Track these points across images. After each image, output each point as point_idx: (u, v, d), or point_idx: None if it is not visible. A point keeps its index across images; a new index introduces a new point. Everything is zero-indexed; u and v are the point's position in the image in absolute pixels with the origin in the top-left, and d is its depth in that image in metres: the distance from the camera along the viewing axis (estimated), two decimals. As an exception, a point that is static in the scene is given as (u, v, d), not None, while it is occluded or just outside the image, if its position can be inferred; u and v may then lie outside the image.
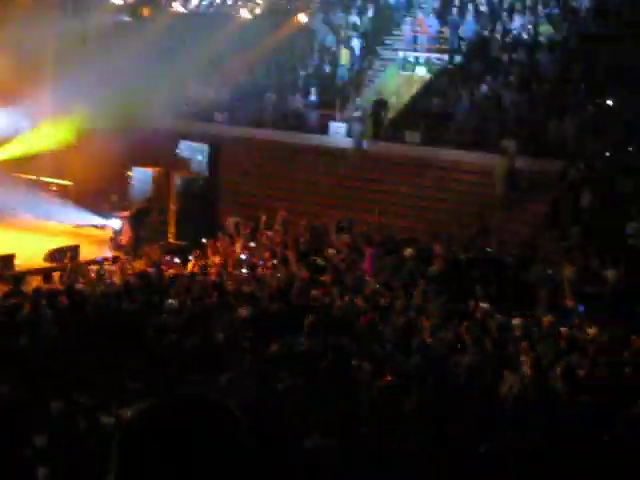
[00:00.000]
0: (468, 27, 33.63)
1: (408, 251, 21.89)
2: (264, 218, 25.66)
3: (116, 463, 2.59)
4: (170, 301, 17.16)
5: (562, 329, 15.82)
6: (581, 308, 17.38)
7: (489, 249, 22.03)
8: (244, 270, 21.04)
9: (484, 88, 30.49)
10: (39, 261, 24.60)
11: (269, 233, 24.49)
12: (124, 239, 26.61)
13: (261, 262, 21.81)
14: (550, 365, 13.72)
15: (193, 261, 22.48)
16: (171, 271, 21.42)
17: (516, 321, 16.22)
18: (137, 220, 26.63)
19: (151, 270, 20.95)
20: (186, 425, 2.60)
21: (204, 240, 24.17)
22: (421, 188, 28.06)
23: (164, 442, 2.58)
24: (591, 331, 15.71)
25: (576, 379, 13.08)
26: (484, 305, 17.39)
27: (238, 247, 23.54)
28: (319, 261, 21.53)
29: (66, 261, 23.11)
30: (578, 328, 16.13)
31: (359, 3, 36.94)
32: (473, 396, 12.80)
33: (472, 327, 15.39)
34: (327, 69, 34.73)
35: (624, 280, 19.57)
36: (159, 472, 2.57)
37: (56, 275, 21.31)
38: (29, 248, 25.43)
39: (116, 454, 2.60)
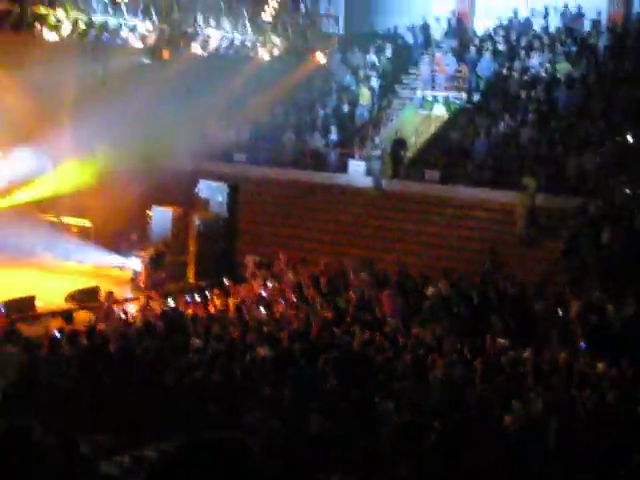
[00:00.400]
0: (486, 65, 33.74)
1: (430, 290, 21.86)
2: (283, 257, 25.72)
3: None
4: (194, 340, 17.16)
5: (572, 364, 15.82)
6: (583, 345, 17.23)
7: (501, 284, 21.97)
8: (262, 309, 21.01)
9: (502, 126, 30.53)
10: (60, 302, 24.65)
11: (289, 273, 24.49)
12: (142, 280, 26.67)
13: (282, 302, 21.78)
14: (560, 399, 13.72)
15: (213, 300, 22.49)
16: (190, 311, 21.43)
17: (527, 354, 16.21)
18: (155, 261, 26.70)
19: (171, 310, 20.97)
20: (210, 466, 2.59)
21: (225, 281, 24.20)
22: (440, 226, 28.05)
23: None
24: (600, 366, 15.64)
25: (587, 414, 13.04)
26: (502, 341, 17.35)
27: (257, 286, 23.54)
28: (340, 302, 21.52)
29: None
30: (587, 364, 16.07)
31: (377, 43, 37.13)
32: (486, 431, 12.76)
33: (485, 363, 15.40)
34: (346, 108, 34.85)
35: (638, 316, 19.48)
36: None
37: (80, 315, 21.36)
38: (50, 289, 25.51)
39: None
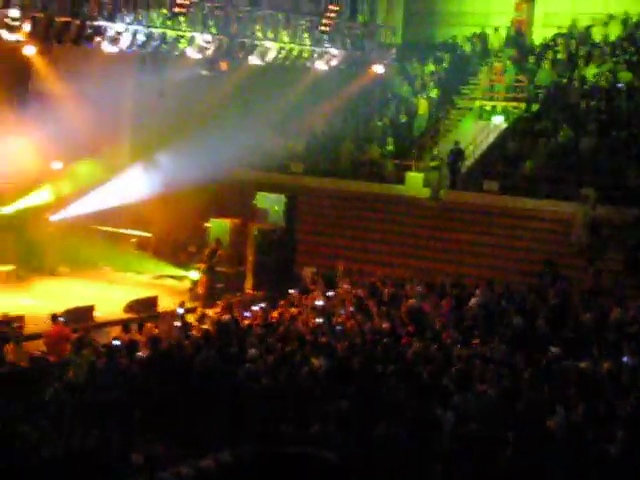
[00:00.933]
0: (545, 75, 33.47)
1: (474, 300, 21.67)
2: (341, 268, 25.69)
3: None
4: (252, 350, 17.17)
5: (616, 375, 15.67)
6: (625, 359, 16.95)
7: (552, 294, 21.76)
8: (320, 320, 20.97)
9: (562, 136, 30.20)
10: (119, 312, 24.85)
11: (345, 285, 24.44)
12: (201, 290, 26.82)
13: (342, 312, 21.71)
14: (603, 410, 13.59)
15: (271, 311, 22.51)
16: (247, 321, 21.47)
17: (584, 364, 16.07)
18: (209, 257, 26.91)
19: (229, 320, 21.00)
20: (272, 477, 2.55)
21: (291, 291, 24.22)
22: (498, 237, 27.86)
23: None
24: None
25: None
26: (555, 349, 17.17)
27: (315, 297, 23.52)
28: (396, 313, 21.42)
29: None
30: (629, 374, 15.89)
31: (435, 53, 37.04)
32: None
33: (535, 373, 15.29)
34: (403, 119, 34.75)
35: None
36: None
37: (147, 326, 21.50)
38: (109, 299, 25.73)
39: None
